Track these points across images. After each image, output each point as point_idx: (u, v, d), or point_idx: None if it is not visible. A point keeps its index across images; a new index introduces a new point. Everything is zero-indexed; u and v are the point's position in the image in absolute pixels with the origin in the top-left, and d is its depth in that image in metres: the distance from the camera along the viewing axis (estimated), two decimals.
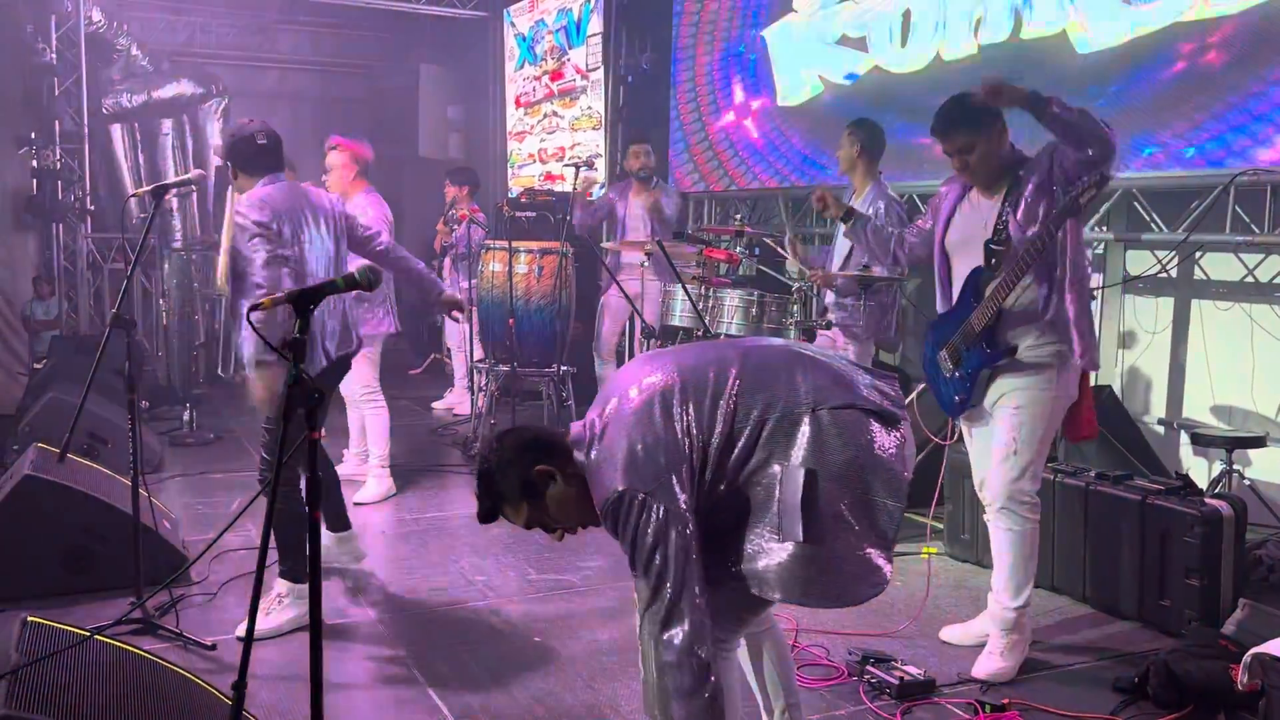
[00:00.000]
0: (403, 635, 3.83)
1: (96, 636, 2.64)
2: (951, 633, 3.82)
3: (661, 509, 2.17)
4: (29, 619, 2.64)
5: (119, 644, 2.73)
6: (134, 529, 3.84)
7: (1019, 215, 3.36)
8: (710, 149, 7.81)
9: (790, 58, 7.04)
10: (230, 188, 4.27)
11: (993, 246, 3.43)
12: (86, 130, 10.02)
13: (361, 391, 5.65)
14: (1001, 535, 3.51)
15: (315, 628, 2.09)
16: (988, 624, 3.63)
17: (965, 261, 3.53)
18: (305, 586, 3.62)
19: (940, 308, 3.67)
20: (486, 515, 2.42)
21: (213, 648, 3.61)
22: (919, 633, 3.85)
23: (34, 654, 2.45)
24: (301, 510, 3.70)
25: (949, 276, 3.62)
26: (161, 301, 8.35)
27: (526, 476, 2.35)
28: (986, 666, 3.50)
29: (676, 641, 2.16)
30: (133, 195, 5.99)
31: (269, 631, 3.71)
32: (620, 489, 2.20)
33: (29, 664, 2.39)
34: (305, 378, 2.03)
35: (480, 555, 4.75)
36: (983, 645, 3.58)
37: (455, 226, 7.52)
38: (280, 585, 3.86)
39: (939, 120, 3.49)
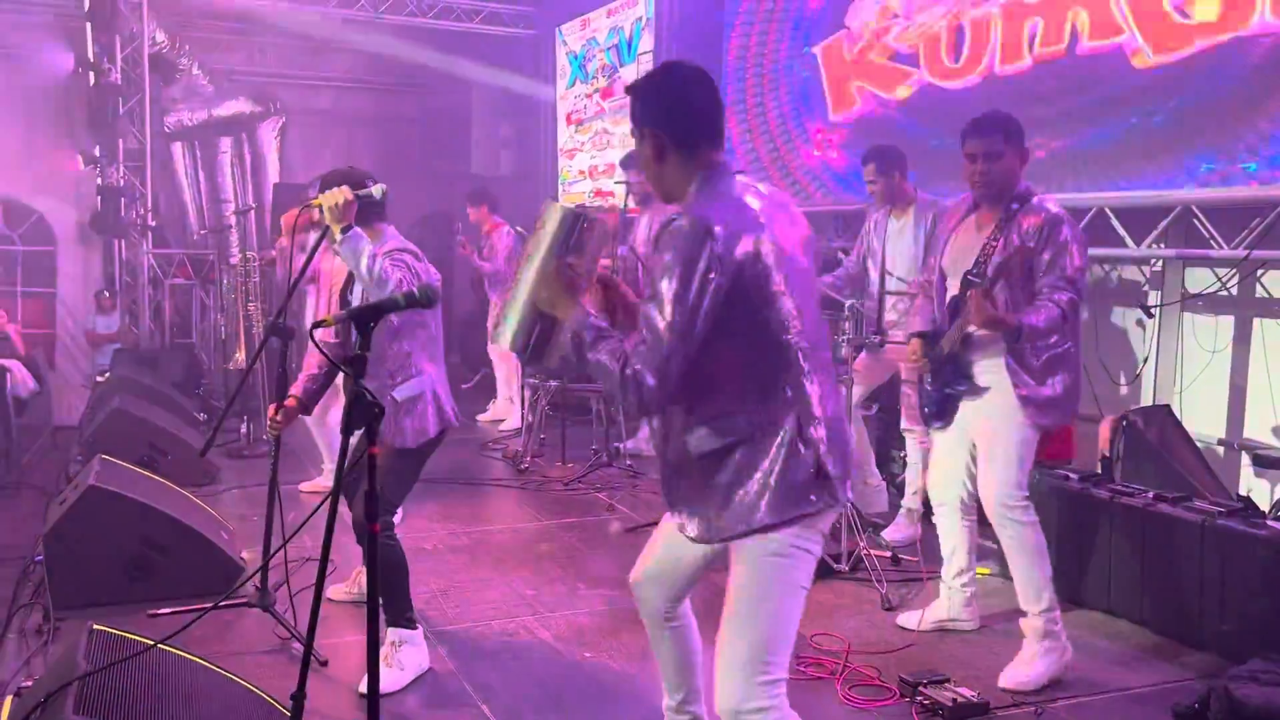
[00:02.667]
0: (454, 649, 3.86)
1: (160, 645, 2.70)
2: (909, 619, 4.03)
3: (718, 254, 2.14)
4: (95, 627, 2.70)
5: (182, 653, 2.79)
6: (271, 490, 4.09)
7: (999, 258, 3.46)
8: (760, 167, 7.82)
9: (841, 74, 7.03)
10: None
11: (970, 278, 3.55)
12: (149, 148, 10.26)
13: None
14: (1006, 543, 3.62)
15: (372, 641, 2.12)
16: (947, 607, 3.98)
17: (952, 286, 3.68)
18: (418, 632, 3.60)
19: (939, 321, 3.79)
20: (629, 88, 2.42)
21: (325, 663, 3.65)
22: (972, 654, 3.81)
23: (100, 661, 2.51)
24: (400, 555, 3.59)
25: (944, 295, 3.74)
26: (219, 316, 8.50)
27: (673, 111, 2.33)
28: (1013, 675, 3.52)
29: (649, 382, 2.14)
30: (236, 212, 6.15)
31: (396, 686, 3.47)
32: (704, 216, 2.18)
33: (96, 671, 2.45)
34: (367, 394, 2.07)
35: (530, 569, 4.78)
36: (942, 630, 3.96)
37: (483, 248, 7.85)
38: (392, 634, 3.57)
39: (976, 120, 3.59)
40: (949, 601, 4.00)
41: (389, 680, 3.44)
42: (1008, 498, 3.55)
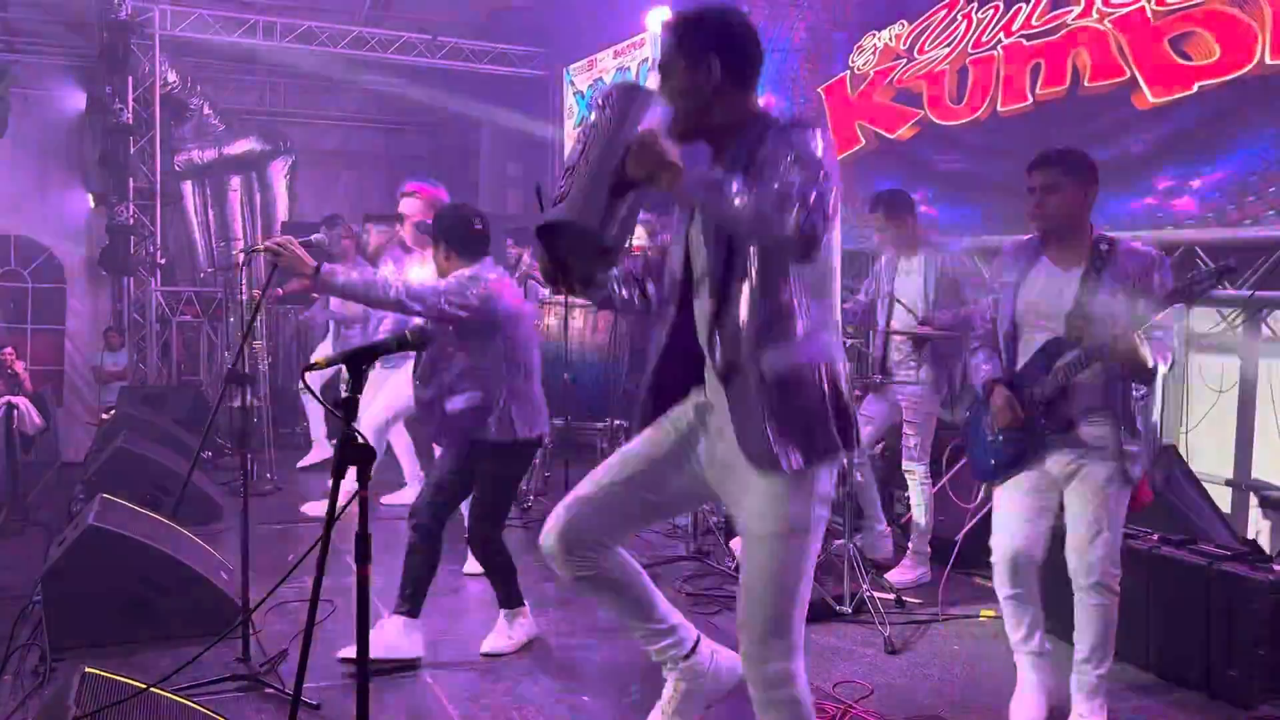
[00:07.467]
0: (449, 689, 3.82)
1: (152, 689, 2.68)
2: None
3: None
4: (87, 671, 2.69)
5: (174, 697, 2.77)
6: (244, 566, 3.89)
7: (1106, 299, 3.30)
8: None
9: (845, 114, 7.07)
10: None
11: (1076, 321, 3.36)
12: (159, 187, 10.36)
13: (371, 427, 5.83)
14: (1090, 611, 3.41)
15: (362, 684, 2.10)
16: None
17: (1035, 330, 3.45)
18: (525, 607, 4.21)
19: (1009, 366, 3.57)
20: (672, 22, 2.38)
21: (318, 707, 3.60)
22: (974, 697, 3.76)
23: (91, 705, 2.50)
24: (505, 560, 4.13)
25: (1015, 342, 3.53)
26: (226, 354, 8.53)
27: (715, 41, 2.29)
28: None
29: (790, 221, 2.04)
30: (246, 252, 6.24)
31: (506, 649, 4.13)
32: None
33: (85, 715, 2.43)
34: (358, 437, 2.06)
35: (531, 610, 4.73)
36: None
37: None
38: (504, 614, 4.19)
39: (1040, 153, 3.46)
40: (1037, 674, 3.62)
41: (500, 644, 4.14)
42: (1113, 566, 3.38)
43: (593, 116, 2.27)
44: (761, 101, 2.36)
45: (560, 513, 2.56)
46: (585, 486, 2.58)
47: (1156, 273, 3.28)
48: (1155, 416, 3.47)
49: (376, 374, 5.91)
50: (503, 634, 4.17)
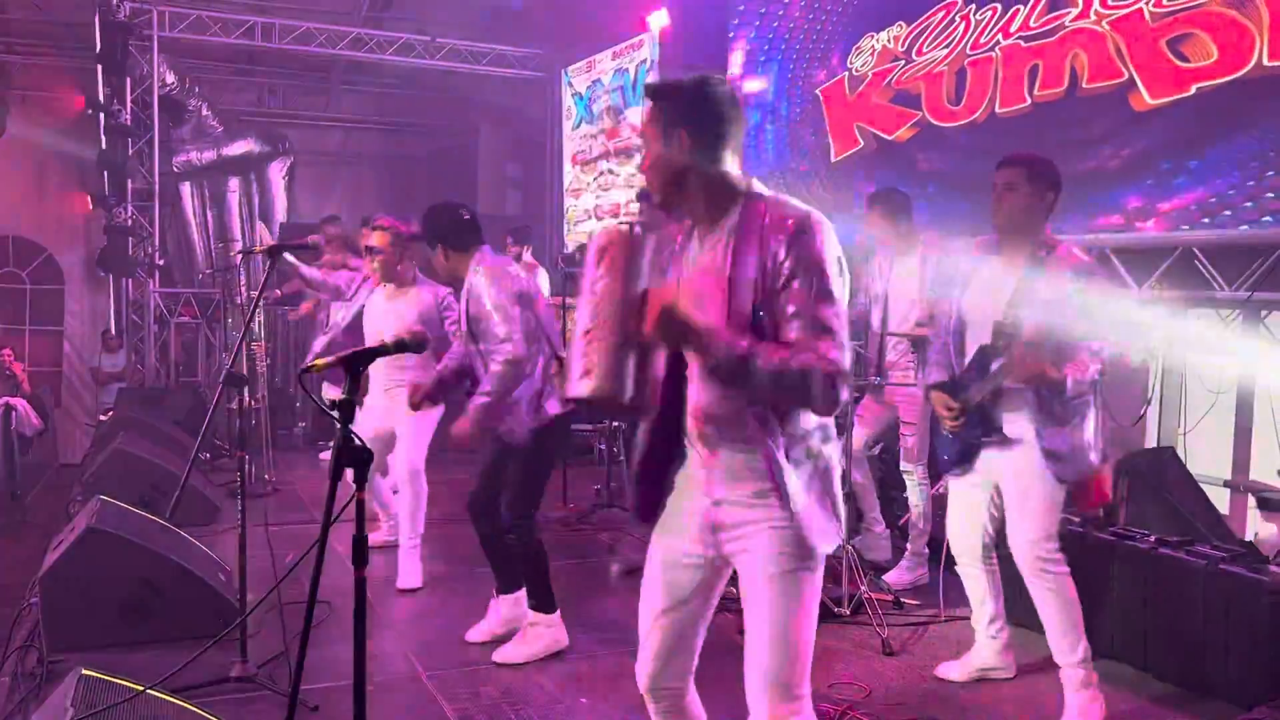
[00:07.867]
0: (448, 692, 3.82)
1: (150, 691, 2.68)
2: (949, 669, 3.94)
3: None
4: (85, 673, 2.68)
5: (172, 699, 2.77)
6: (242, 542, 3.95)
7: (1027, 308, 3.37)
8: None
9: (843, 115, 7.07)
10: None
11: (1004, 328, 3.44)
12: (157, 188, 10.35)
13: (406, 470, 5.23)
14: (1041, 595, 3.50)
15: (359, 684, 2.10)
16: (984, 655, 3.89)
17: (976, 331, 3.55)
18: (555, 615, 4.12)
19: (955, 366, 3.65)
20: (649, 89, 2.36)
21: (316, 708, 3.59)
22: (973, 699, 3.76)
23: (88, 707, 2.49)
24: (538, 548, 4.08)
25: (962, 340, 3.61)
26: (224, 355, 8.53)
27: (686, 114, 2.23)
28: None
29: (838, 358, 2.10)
30: (243, 253, 6.25)
31: (521, 659, 4.04)
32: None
33: (83, 718, 2.43)
34: (355, 438, 2.06)
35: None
36: (981, 678, 3.87)
37: None
38: (530, 615, 4.12)
39: (1007, 155, 3.60)
40: (986, 650, 3.90)
41: (514, 653, 4.04)
42: (1042, 550, 3.45)
43: (598, 269, 2.17)
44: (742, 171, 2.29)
45: (640, 666, 2.49)
46: (641, 645, 2.49)
47: (1091, 282, 3.33)
48: (1092, 421, 3.48)
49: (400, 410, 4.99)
50: (521, 642, 4.11)
